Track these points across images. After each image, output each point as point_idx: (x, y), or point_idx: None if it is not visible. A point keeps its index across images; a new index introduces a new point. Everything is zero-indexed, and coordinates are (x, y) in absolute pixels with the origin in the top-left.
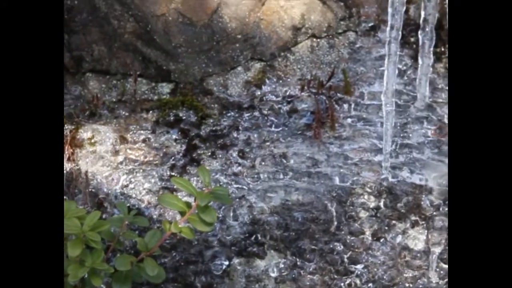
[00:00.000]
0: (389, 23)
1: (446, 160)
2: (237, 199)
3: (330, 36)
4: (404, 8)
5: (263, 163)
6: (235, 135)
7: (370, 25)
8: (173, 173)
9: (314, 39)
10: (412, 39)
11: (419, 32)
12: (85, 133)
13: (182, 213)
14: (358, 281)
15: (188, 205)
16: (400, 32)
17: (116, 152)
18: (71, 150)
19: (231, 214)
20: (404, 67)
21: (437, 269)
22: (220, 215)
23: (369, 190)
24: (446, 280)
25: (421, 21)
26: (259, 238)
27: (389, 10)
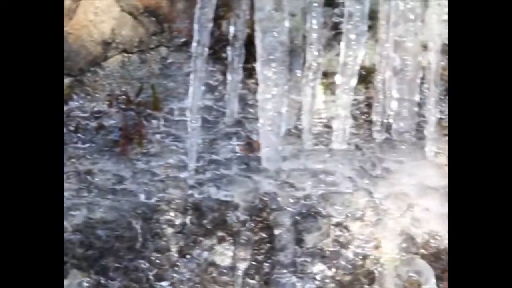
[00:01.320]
0: (195, 38)
1: (253, 176)
2: None
3: (142, 51)
4: (211, 24)
5: (68, 180)
6: None
7: (182, 40)
8: None
9: (125, 54)
10: (224, 55)
11: (228, 48)
12: None
13: None
14: None
15: None
16: (206, 48)
17: None
18: None
19: None
20: (216, 83)
21: (243, 285)
22: None
23: (175, 207)
24: None
25: (230, 37)
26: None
27: (195, 26)
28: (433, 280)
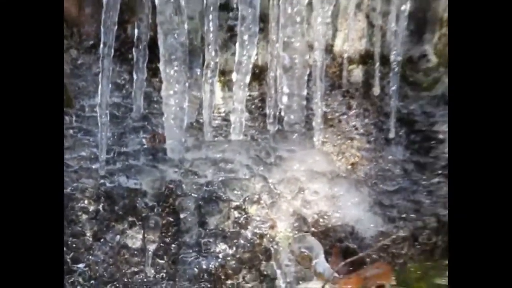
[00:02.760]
0: (102, 41)
1: (159, 166)
2: None
3: None
4: (116, 27)
5: None
6: None
7: (90, 43)
8: None
9: None
10: (130, 56)
11: (133, 49)
12: None
13: None
14: (81, 279)
15: None
16: (112, 50)
17: None
18: None
19: None
20: (123, 82)
21: (153, 265)
22: None
23: (88, 195)
24: (162, 274)
25: (135, 39)
26: None
27: (102, 28)
28: (322, 255)
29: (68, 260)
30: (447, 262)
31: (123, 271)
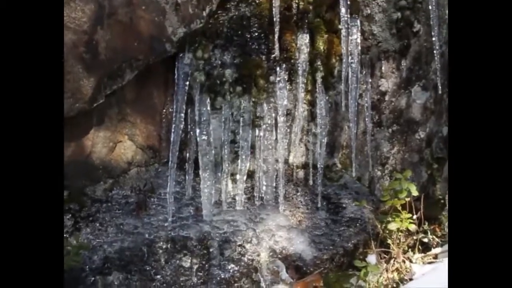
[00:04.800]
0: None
1: (199, 223)
2: None
3: None
4: None
5: None
6: None
7: None
8: None
9: None
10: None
11: (186, 164)
12: None
13: None
14: None
15: None
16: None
17: None
18: None
19: None
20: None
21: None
22: None
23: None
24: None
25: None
26: None
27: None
28: (284, 270)
29: None
30: (350, 272)
31: None
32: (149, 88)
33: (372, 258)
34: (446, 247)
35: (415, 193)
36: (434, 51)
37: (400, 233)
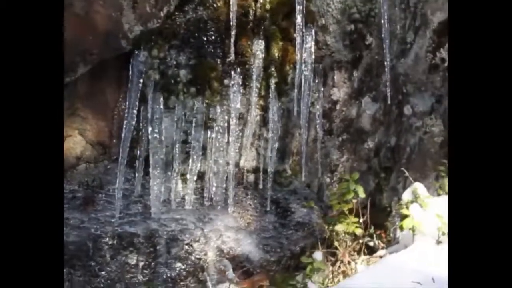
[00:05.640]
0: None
1: (147, 220)
2: None
3: None
4: None
5: None
6: None
7: None
8: None
9: None
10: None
11: (136, 161)
12: None
13: None
14: None
15: None
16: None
17: None
18: None
19: None
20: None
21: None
22: None
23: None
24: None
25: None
26: None
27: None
28: (231, 269)
29: None
30: (296, 274)
31: None
32: (102, 83)
33: (318, 255)
34: (391, 249)
35: (362, 194)
36: (385, 63)
37: (346, 236)
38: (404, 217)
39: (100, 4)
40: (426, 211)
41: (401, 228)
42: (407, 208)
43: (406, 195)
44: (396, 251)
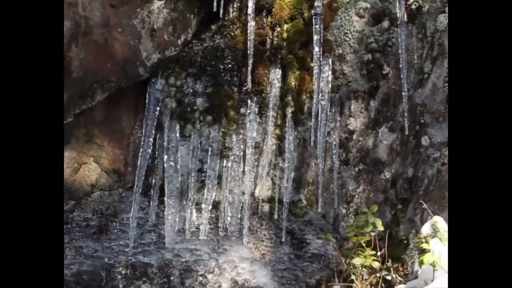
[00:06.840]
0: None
1: (161, 250)
2: None
3: None
4: None
5: None
6: None
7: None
8: None
9: None
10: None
11: (151, 190)
12: None
13: None
14: None
15: None
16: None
17: None
18: None
19: None
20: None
21: None
22: None
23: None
24: None
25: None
26: None
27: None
28: None
29: None
30: None
31: None
32: (119, 111)
33: None
34: (410, 284)
35: (380, 227)
36: (402, 94)
37: (363, 269)
38: (423, 251)
39: (119, 32)
40: (446, 246)
41: (421, 263)
42: (427, 242)
43: (426, 229)
44: (415, 286)
